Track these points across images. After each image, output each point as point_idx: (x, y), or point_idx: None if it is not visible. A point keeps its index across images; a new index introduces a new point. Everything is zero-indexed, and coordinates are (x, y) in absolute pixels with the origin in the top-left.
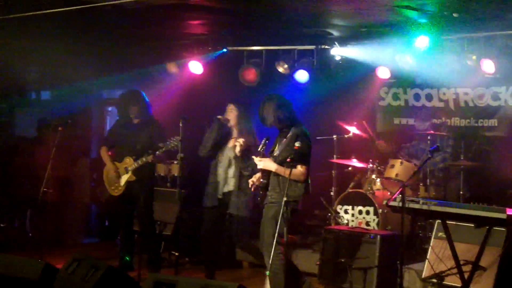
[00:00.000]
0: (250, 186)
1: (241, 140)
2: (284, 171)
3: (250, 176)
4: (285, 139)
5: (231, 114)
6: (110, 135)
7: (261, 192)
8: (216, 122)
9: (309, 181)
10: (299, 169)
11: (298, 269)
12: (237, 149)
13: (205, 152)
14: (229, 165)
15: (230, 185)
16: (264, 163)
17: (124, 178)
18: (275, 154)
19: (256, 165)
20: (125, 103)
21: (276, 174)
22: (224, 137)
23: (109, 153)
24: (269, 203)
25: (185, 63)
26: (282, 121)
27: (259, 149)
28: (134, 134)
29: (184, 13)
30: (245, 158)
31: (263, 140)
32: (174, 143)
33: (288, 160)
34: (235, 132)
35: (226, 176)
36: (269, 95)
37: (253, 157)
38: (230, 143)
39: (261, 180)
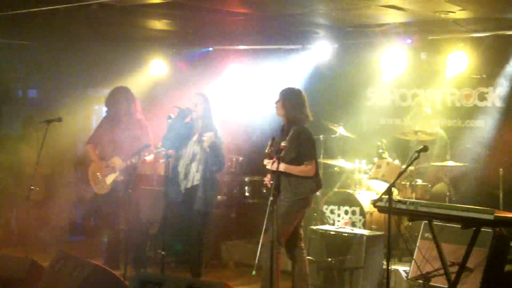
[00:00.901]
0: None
1: (208, 135)
2: (293, 169)
3: (218, 171)
4: (288, 138)
5: (200, 106)
6: (97, 133)
7: (274, 192)
8: (180, 113)
9: (320, 176)
10: (306, 165)
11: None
12: (206, 144)
13: (168, 144)
14: (193, 160)
15: (195, 180)
16: (272, 164)
17: (111, 177)
18: (281, 155)
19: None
20: (115, 100)
21: (285, 174)
22: (187, 129)
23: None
24: (280, 201)
25: (170, 61)
26: (294, 118)
27: (266, 151)
28: (121, 133)
29: (170, 11)
30: (212, 153)
31: (269, 141)
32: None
33: (274, 159)
34: (199, 125)
35: (188, 171)
36: (297, 89)
37: (264, 160)
38: (194, 137)
39: (271, 181)
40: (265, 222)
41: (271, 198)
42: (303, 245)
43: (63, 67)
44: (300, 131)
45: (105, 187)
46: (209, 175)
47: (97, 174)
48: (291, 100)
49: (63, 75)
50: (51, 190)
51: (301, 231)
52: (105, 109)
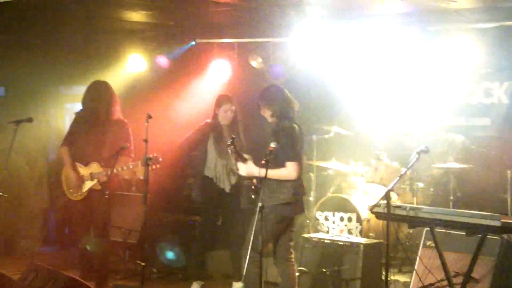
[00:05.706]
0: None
1: None
2: (272, 174)
3: None
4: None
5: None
6: (72, 133)
7: (253, 197)
8: None
9: (301, 181)
10: (287, 166)
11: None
12: None
13: None
14: None
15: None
16: (246, 169)
17: (88, 185)
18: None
19: None
20: (93, 96)
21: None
22: None
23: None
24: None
25: (151, 56)
26: (275, 117)
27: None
28: (101, 135)
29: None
30: None
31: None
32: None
33: (262, 162)
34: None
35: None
36: (275, 85)
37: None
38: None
39: (258, 184)
40: (253, 231)
41: (259, 204)
42: (292, 257)
43: (32, 63)
44: (278, 130)
45: (80, 193)
46: None
47: (72, 178)
48: (265, 99)
49: (32, 71)
50: (21, 197)
51: (291, 242)
52: (79, 106)
